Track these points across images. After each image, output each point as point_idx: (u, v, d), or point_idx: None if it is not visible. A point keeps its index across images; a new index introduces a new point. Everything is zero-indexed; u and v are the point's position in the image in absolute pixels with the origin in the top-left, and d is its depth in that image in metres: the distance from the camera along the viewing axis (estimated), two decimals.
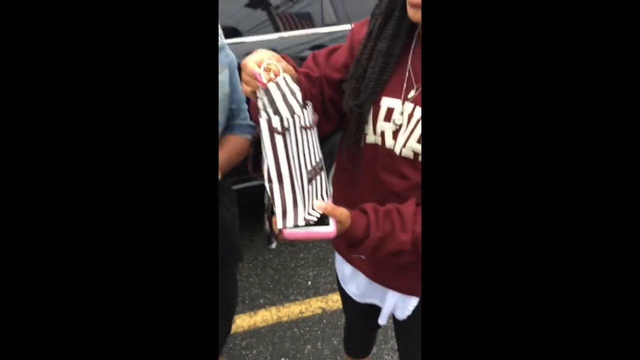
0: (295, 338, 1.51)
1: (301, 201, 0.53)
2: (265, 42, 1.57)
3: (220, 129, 0.88)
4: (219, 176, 0.86)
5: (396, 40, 0.61)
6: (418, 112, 0.59)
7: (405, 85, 0.61)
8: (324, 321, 1.58)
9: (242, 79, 0.54)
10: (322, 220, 0.55)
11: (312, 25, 1.65)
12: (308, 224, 0.53)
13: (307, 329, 1.55)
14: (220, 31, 0.81)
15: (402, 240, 0.57)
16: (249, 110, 0.88)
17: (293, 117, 0.52)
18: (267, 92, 0.51)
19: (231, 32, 1.54)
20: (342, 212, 0.55)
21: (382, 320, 0.83)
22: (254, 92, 0.53)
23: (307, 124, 0.55)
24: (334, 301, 1.65)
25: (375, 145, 0.64)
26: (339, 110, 0.67)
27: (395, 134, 0.62)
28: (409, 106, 0.60)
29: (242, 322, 1.57)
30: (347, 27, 1.65)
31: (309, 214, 0.54)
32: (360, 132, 0.64)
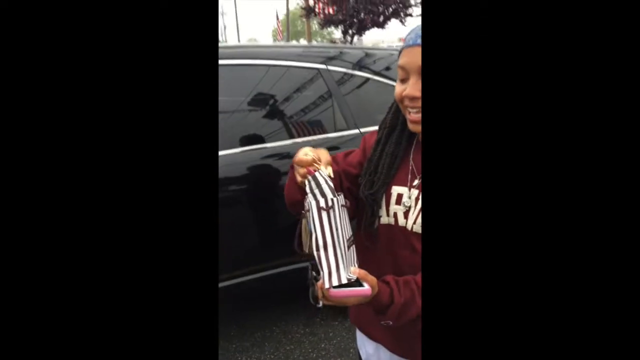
0: None
1: (342, 265, 0.64)
2: (283, 146, 1.81)
3: None
4: None
5: (399, 146, 0.79)
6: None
7: (410, 176, 0.77)
8: None
9: (294, 170, 0.70)
10: (357, 284, 0.65)
11: (324, 131, 1.91)
12: (347, 285, 0.63)
13: None
14: None
15: (420, 304, 0.66)
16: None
17: (335, 197, 0.66)
18: (315, 178, 0.66)
19: (255, 139, 1.79)
20: (372, 278, 0.66)
21: None
22: (303, 179, 0.68)
23: (345, 204, 0.70)
24: None
25: (389, 225, 0.78)
26: (354, 199, 0.82)
27: (406, 214, 0.75)
28: (414, 192, 0.75)
29: None
30: (355, 131, 1.90)
31: (348, 277, 0.64)
32: (375, 216, 0.79)
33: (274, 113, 1.91)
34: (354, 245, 0.73)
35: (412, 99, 0.69)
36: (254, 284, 1.83)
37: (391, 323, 0.73)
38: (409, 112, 0.72)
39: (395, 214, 0.77)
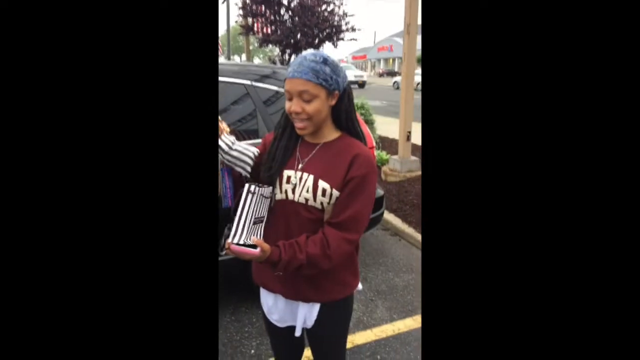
0: None
1: (245, 232, 0.94)
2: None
3: None
4: None
5: (290, 141, 1.10)
6: (305, 176, 1.04)
7: (296, 162, 1.07)
8: None
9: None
10: (253, 248, 0.94)
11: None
12: (245, 245, 0.93)
13: None
14: None
15: (300, 258, 0.97)
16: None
17: (259, 187, 0.96)
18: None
19: None
20: (267, 245, 0.95)
21: (297, 332, 1.16)
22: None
23: (266, 195, 1.00)
24: None
25: (282, 200, 1.07)
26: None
27: (293, 190, 1.05)
28: (299, 173, 1.06)
29: None
30: None
31: (247, 241, 0.94)
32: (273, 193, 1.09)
33: None
34: (262, 223, 1.03)
35: (295, 113, 1.01)
36: None
37: (281, 273, 1.02)
38: (295, 121, 1.04)
39: (286, 191, 1.08)
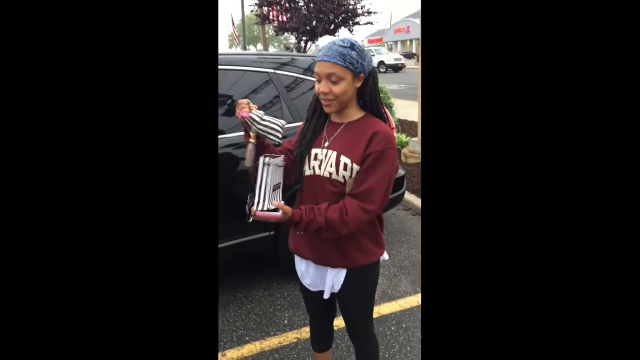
0: None
1: (268, 199, 1.06)
2: (240, 137, 2.19)
3: None
4: None
5: (319, 121, 1.21)
6: (329, 153, 1.15)
7: (323, 141, 1.19)
8: (299, 347, 1.94)
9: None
10: (275, 212, 1.07)
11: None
12: (268, 211, 1.05)
13: (286, 354, 1.90)
14: None
15: (319, 221, 1.08)
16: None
17: (273, 158, 1.08)
18: (251, 118, 1.13)
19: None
20: (288, 208, 1.07)
21: (326, 294, 1.28)
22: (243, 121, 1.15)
23: (280, 164, 1.13)
24: (307, 332, 2.02)
25: (310, 175, 1.19)
26: (291, 162, 1.24)
27: (320, 166, 1.17)
28: (325, 151, 1.17)
29: (231, 355, 1.91)
30: (299, 123, 2.33)
31: (270, 207, 1.06)
32: (302, 169, 1.20)
33: (232, 112, 2.28)
34: (280, 190, 1.16)
35: (324, 93, 1.12)
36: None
37: (302, 233, 1.14)
38: (323, 101, 1.15)
39: (314, 167, 1.19)
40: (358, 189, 1.11)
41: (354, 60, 1.07)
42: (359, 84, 1.13)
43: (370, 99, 1.16)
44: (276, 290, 2.41)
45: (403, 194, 2.88)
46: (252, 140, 1.16)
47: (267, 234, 2.29)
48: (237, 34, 21.61)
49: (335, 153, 1.14)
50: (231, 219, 2.19)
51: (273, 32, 13.44)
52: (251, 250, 2.33)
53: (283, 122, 1.17)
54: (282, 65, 2.43)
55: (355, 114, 1.18)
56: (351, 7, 11.78)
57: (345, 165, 1.12)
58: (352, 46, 1.08)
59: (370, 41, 63.12)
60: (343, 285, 1.25)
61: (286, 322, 2.14)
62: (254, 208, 1.04)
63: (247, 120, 1.12)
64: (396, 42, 53.32)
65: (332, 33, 12.05)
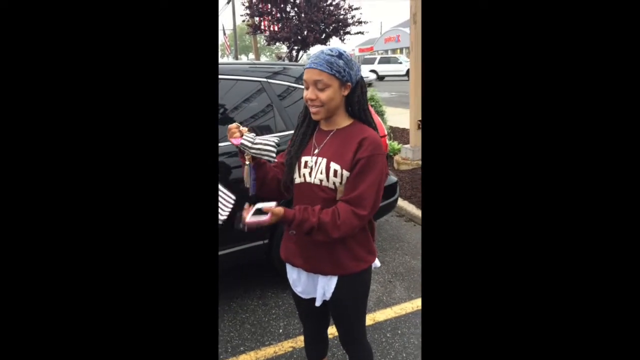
0: None
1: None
2: (232, 145, 2.20)
3: None
4: None
5: (308, 128, 1.23)
6: (319, 160, 1.16)
7: (312, 149, 1.20)
8: (295, 356, 1.93)
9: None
10: (263, 214, 1.07)
11: (270, 132, 2.34)
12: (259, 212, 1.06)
13: None
14: None
15: (312, 221, 1.09)
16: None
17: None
18: (243, 144, 1.13)
19: None
20: (279, 209, 1.08)
21: (318, 302, 1.28)
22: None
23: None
24: (302, 341, 2.01)
25: (300, 182, 1.20)
26: (282, 171, 1.25)
27: (310, 173, 1.18)
28: (314, 158, 1.18)
29: None
30: (292, 131, 2.34)
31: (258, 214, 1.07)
32: (292, 177, 1.21)
33: (225, 120, 2.29)
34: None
35: (310, 99, 1.13)
36: None
37: (294, 232, 1.14)
38: (310, 107, 1.16)
39: (304, 175, 1.20)
40: (349, 195, 1.12)
41: (340, 69, 1.10)
42: (345, 92, 1.15)
43: (358, 107, 1.18)
44: (270, 299, 2.40)
45: (396, 200, 2.89)
46: (247, 163, 1.17)
47: (261, 242, 2.28)
48: (228, 43, 21.72)
49: (324, 160, 1.15)
50: (224, 226, 2.19)
51: (265, 41, 13.52)
52: (245, 259, 2.32)
53: (275, 139, 1.17)
54: (274, 74, 2.45)
55: (344, 121, 1.20)
56: (341, 16, 11.92)
57: (335, 171, 1.13)
58: (340, 55, 1.11)
59: (360, 50, 63.76)
60: (334, 293, 1.25)
61: (281, 331, 2.12)
62: (244, 214, 1.05)
63: (239, 147, 1.14)
64: (386, 51, 53.96)
65: (323, 42, 12.16)
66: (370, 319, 2.16)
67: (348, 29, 12.21)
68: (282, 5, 11.70)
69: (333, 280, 1.24)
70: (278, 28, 12.05)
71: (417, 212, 3.44)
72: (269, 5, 11.76)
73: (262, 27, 12.54)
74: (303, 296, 1.33)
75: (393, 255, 2.88)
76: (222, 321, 2.21)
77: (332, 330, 1.97)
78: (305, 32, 11.78)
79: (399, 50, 49.61)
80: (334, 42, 12.34)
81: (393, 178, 2.83)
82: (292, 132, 2.37)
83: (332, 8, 11.72)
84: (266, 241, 2.29)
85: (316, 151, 1.20)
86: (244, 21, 14.53)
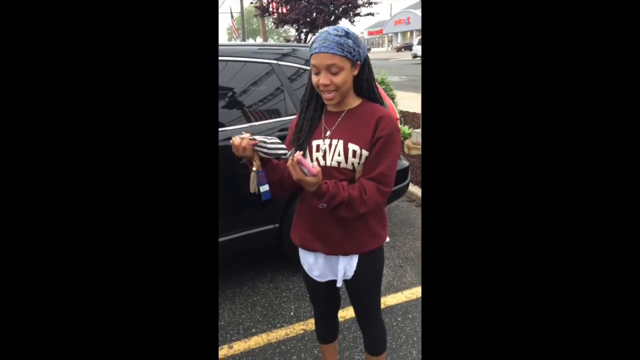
0: (283, 353, 1.86)
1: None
2: (241, 129, 2.17)
3: None
4: None
5: (315, 112, 1.19)
6: (334, 142, 1.13)
7: (322, 132, 1.17)
8: (306, 338, 1.95)
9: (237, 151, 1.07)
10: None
11: (280, 116, 2.30)
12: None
13: (292, 345, 1.90)
14: None
15: (343, 195, 1.06)
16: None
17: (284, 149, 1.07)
18: (260, 146, 1.06)
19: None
20: (320, 176, 1.02)
21: (339, 283, 1.27)
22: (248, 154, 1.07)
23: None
24: (312, 323, 2.02)
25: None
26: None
27: (324, 157, 1.15)
28: (327, 141, 1.15)
29: (238, 346, 1.91)
30: None
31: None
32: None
33: (233, 103, 2.26)
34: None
35: (324, 85, 1.09)
36: (223, 246, 2.18)
37: (325, 205, 1.10)
38: (323, 93, 1.13)
39: (317, 159, 1.17)
40: (371, 173, 1.10)
41: (350, 49, 1.06)
42: (356, 72, 1.12)
43: (367, 85, 1.15)
44: (281, 283, 2.41)
45: (407, 185, 2.86)
46: (254, 169, 1.09)
47: (271, 226, 2.28)
48: (235, 26, 21.48)
49: (341, 141, 1.12)
50: (235, 211, 2.18)
51: (273, 24, 13.32)
52: (256, 243, 2.32)
53: (274, 138, 1.10)
54: (284, 56, 2.40)
55: (353, 101, 1.17)
56: None
57: (354, 152, 1.11)
58: (347, 34, 1.07)
59: (370, 32, 62.64)
60: (355, 270, 1.24)
61: (292, 313, 2.14)
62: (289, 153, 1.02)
63: (256, 147, 1.05)
64: (396, 34, 52.92)
65: (333, 24, 11.93)
66: (382, 302, 2.16)
67: (358, 10, 11.95)
68: None
69: (354, 259, 1.23)
70: (287, 10, 11.84)
71: None
72: None
73: (271, 9, 12.33)
74: (320, 279, 1.32)
75: (404, 240, 2.87)
76: (233, 303, 2.23)
77: (342, 314, 1.98)
78: (314, 14, 11.55)
79: (409, 33, 48.61)
80: (344, 24, 12.09)
81: (405, 163, 2.79)
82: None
83: None
84: (277, 225, 2.29)
85: (328, 133, 1.17)
86: (252, 3, 14.29)
